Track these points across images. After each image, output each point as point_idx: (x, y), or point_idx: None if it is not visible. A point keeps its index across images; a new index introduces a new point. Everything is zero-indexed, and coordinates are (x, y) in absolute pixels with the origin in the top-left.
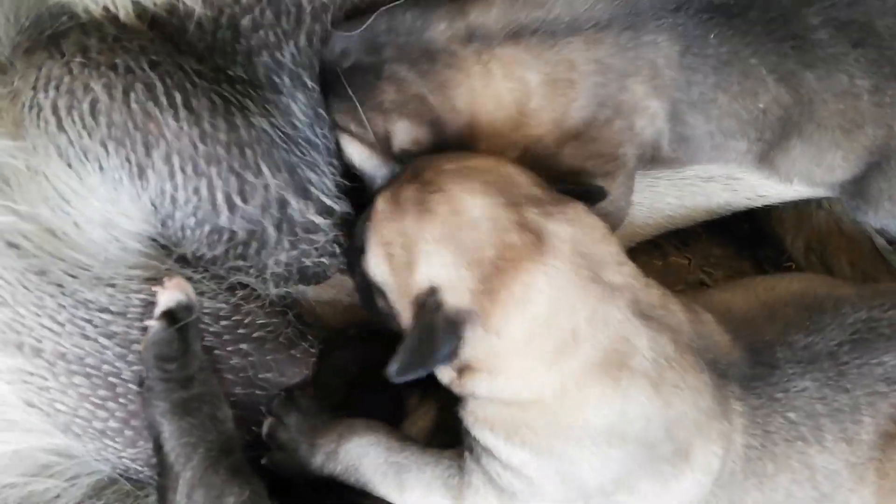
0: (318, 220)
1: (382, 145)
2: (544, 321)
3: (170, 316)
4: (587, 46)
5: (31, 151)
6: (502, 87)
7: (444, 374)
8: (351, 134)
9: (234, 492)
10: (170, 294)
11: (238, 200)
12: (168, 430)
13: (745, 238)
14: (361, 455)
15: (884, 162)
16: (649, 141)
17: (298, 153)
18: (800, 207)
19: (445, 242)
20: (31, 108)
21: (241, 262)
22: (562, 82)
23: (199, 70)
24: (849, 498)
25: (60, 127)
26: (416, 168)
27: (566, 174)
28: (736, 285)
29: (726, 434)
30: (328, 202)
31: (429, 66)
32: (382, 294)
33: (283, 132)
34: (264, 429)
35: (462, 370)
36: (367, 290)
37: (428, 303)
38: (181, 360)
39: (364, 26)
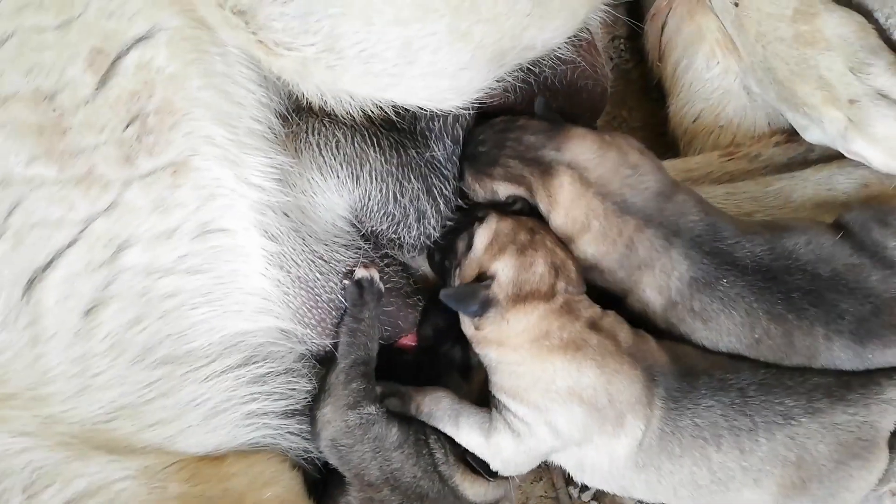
0: (431, 212)
1: (490, 195)
2: (532, 325)
3: (358, 282)
4: (635, 227)
5: (302, 166)
6: (579, 213)
7: (467, 326)
8: (471, 181)
9: (359, 382)
10: (361, 271)
11: (399, 196)
12: (341, 339)
13: None
14: (437, 402)
15: None
16: (640, 310)
17: (432, 173)
18: None
19: (516, 269)
20: (305, 144)
21: (394, 235)
22: (609, 238)
23: (380, 124)
24: (741, 490)
25: (320, 154)
26: (535, 227)
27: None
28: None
29: (647, 417)
30: (441, 204)
31: (534, 165)
32: (466, 251)
33: (426, 160)
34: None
35: (481, 337)
36: (452, 248)
37: (485, 280)
38: (359, 307)
39: (500, 127)
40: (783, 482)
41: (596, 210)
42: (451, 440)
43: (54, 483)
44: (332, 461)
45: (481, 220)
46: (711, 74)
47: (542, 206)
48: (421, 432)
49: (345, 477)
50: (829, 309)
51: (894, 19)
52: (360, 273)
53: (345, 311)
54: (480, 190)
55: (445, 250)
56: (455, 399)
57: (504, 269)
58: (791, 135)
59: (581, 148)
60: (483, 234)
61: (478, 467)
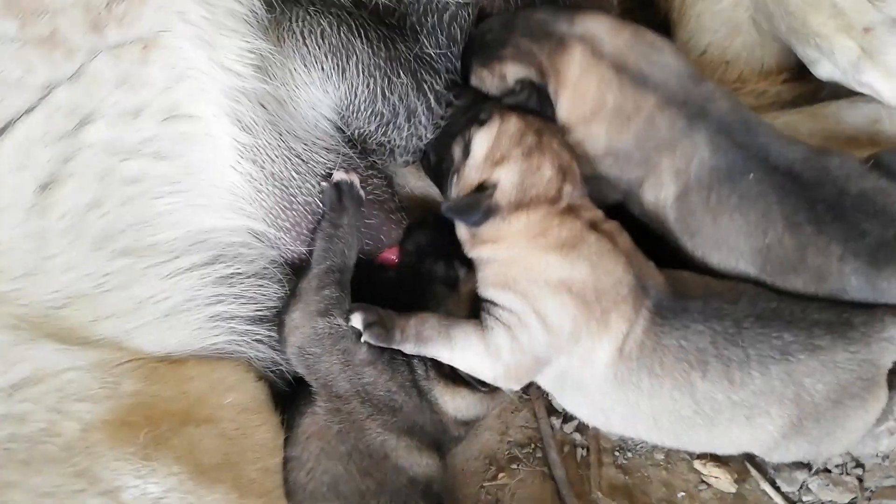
0: (421, 109)
1: (499, 82)
2: (533, 224)
3: (336, 185)
4: (655, 104)
5: (284, 55)
6: (590, 87)
7: (462, 232)
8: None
9: (332, 289)
10: (340, 173)
11: (388, 92)
12: (317, 244)
13: None
14: (423, 323)
15: None
16: (652, 201)
17: (422, 68)
18: None
19: (521, 175)
20: (289, 32)
21: (383, 138)
22: (624, 114)
23: (369, 17)
24: (730, 427)
25: (304, 44)
26: (542, 128)
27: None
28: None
29: (631, 321)
30: (433, 102)
31: (545, 40)
32: (464, 157)
33: (415, 55)
34: (359, 323)
35: (476, 239)
36: (448, 153)
37: (488, 188)
38: (337, 212)
39: (507, 15)
40: (781, 422)
41: (610, 82)
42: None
43: None
44: (300, 370)
45: (482, 122)
46: (722, 6)
47: (551, 88)
48: (397, 350)
49: (311, 387)
50: (852, 226)
51: None
52: (338, 176)
53: (322, 216)
54: (489, 77)
55: (440, 154)
56: (442, 316)
57: (508, 176)
58: (799, 72)
59: (595, 22)
60: (483, 139)
61: (468, 378)
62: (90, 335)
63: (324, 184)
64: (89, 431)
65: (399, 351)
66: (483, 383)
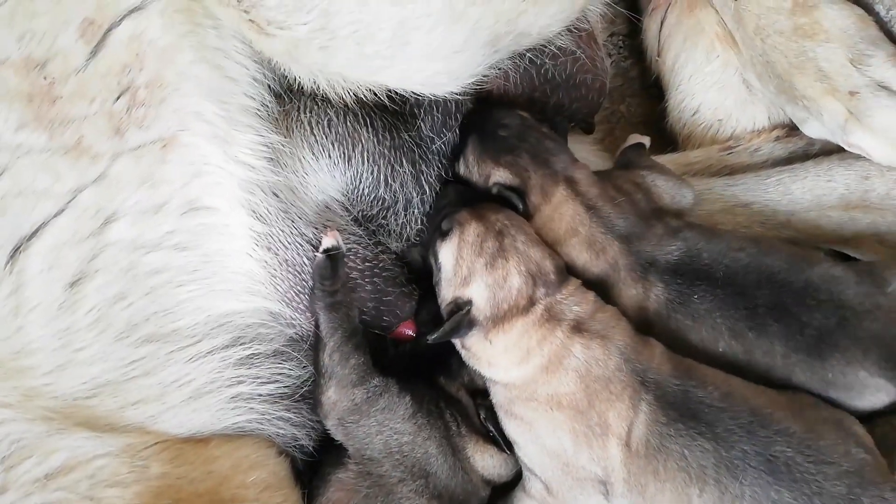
0: (416, 201)
1: (482, 179)
2: (513, 344)
3: (327, 251)
4: (618, 251)
5: (293, 145)
6: (566, 216)
7: (458, 345)
8: (473, 159)
9: (355, 357)
10: (329, 240)
11: (390, 180)
12: (321, 317)
13: None
14: None
15: None
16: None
17: (421, 158)
18: None
19: (490, 289)
20: (297, 122)
21: (383, 221)
22: (596, 248)
23: (372, 104)
24: None
25: (312, 133)
26: (504, 228)
27: None
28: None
29: (629, 417)
30: (427, 194)
31: (541, 167)
32: (438, 272)
33: (415, 143)
34: None
35: (470, 354)
36: (426, 264)
37: (464, 306)
38: (331, 279)
39: (527, 122)
40: None
41: (582, 217)
42: (464, 413)
43: (32, 456)
44: (338, 438)
45: (444, 234)
46: (711, 68)
47: (533, 200)
48: (433, 402)
49: (346, 452)
50: (793, 322)
51: (895, 11)
52: (328, 242)
53: (313, 286)
54: (476, 169)
55: (424, 260)
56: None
57: (478, 293)
58: (791, 129)
59: (579, 170)
60: (447, 254)
61: (497, 435)
62: (118, 421)
63: (316, 254)
64: None
65: (436, 404)
66: (510, 446)
